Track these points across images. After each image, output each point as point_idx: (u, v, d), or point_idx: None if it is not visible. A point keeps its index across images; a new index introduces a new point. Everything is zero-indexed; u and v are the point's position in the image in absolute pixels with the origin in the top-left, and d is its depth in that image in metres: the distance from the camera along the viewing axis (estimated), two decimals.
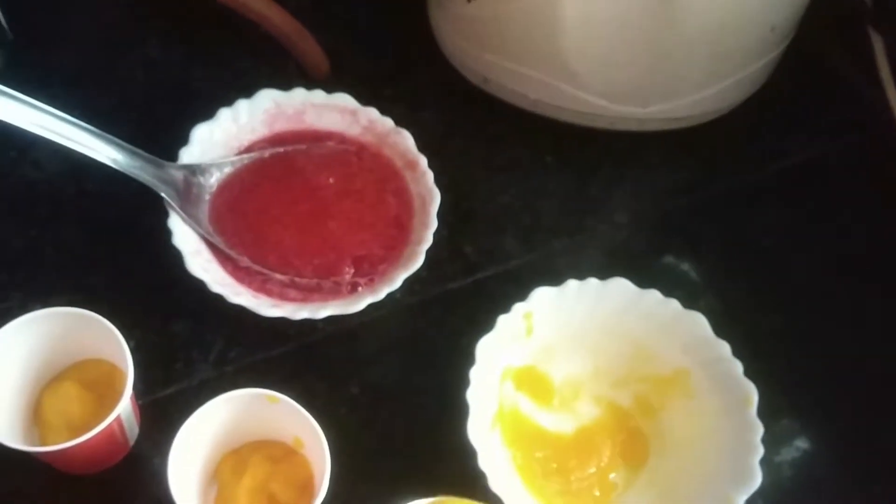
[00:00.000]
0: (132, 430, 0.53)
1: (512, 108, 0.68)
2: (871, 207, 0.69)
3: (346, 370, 0.58)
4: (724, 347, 0.54)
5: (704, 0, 0.57)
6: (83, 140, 0.53)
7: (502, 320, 0.54)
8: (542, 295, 0.55)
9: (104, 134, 0.54)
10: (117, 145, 0.54)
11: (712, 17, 0.59)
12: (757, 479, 0.51)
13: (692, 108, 0.66)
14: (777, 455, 0.57)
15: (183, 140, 0.59)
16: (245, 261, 0.56)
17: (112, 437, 0.51)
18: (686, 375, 0.56)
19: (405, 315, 0.61)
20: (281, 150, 0.60)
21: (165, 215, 0.56)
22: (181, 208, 0.55)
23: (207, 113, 0.60)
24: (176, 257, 0.55)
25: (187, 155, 0.57)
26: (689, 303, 0.56)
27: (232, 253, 0.56)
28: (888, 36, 0.66)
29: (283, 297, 0.55)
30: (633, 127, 0.67)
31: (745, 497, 0.50)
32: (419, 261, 0.55)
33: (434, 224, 0.57)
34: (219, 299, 0.55)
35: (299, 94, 0.61)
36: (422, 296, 0.62)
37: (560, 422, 0.57)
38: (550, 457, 0.56)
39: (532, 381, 0.58)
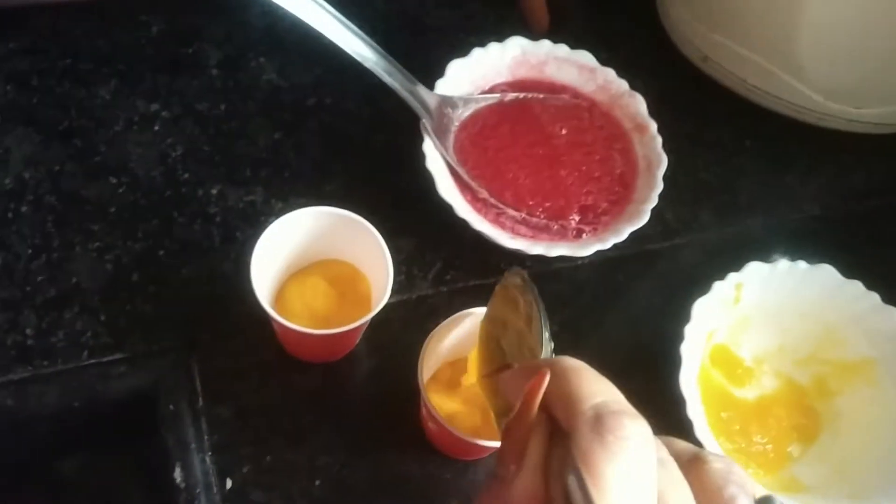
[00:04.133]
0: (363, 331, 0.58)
1: (724, 89, 0.71)
2: None
3: (548, 308, 0.62)
4: None
5: None
6: (360, 49, 0.58)
7: (717, 286, 0.58)
8: (753, 269, 0.59)
9: (377, 47, 0.58)
10: (387, 60, 0.59)
11: None
12: None
13: None
14: None
15: (436, 72, 0.62)
16: (484, 193, 0.60)
17: (355, 335, 0.55)
18: (871, 365, 0.59)
19: (605, 267, 0.65)
20: (521, 95, 0.64)
21: (407, 138, 0.60)
22: (434, 135, 0.59)
23: (451, 50, 0.64)
24: (405, 179, 0.60)
25: (442, 86, 0.61)
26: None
27: (473, 184, 0.60)
28: None
29: (515, 232, 0.59)
30: (839, 126, 0.70)
31: None
32: (644, 218, 0.59)
33: (660, 186, 0.60)
34: (439, 222, 0.59)
35: (545, 46, 0.64)
36: (621, 251, 0.65)
37: (744, 389, 0.61)
38: (734, 419, 0.60)
39: (726, 360, 0.62)
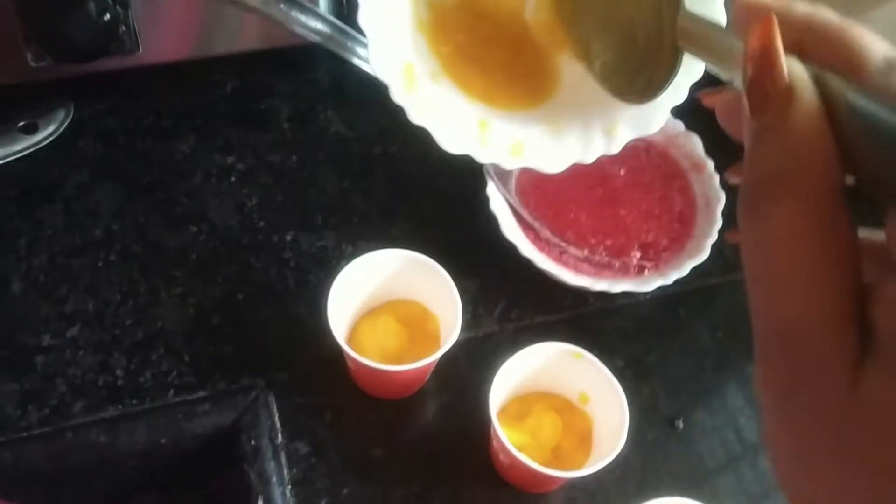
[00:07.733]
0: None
1: None
2: None
3: (612, 343, 0.64)
4: None
5: None
6: None
7: None
8: None
9: None
10: None
11: None
12: None
13: None
14: None
15: None
16: (546, 232, 0.62)
17: (425, 371, 0.57)
18: None
19: (666, 302, 0.66)
20: None
21: (470, 181, 0.63)
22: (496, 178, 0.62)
23: None
24: (469, 221, 0.62)
25: None
26: None
27: (536, 224, 0.62)
28: None
29: (578, 270, 0.61)
30: None
31: None
32: (705, 253, 0.60)
33: (719, 222, 0.62)
34: (503, 261, 0.61)
35: None
36: (682, 287, 0.67)
37: None
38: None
39: None
